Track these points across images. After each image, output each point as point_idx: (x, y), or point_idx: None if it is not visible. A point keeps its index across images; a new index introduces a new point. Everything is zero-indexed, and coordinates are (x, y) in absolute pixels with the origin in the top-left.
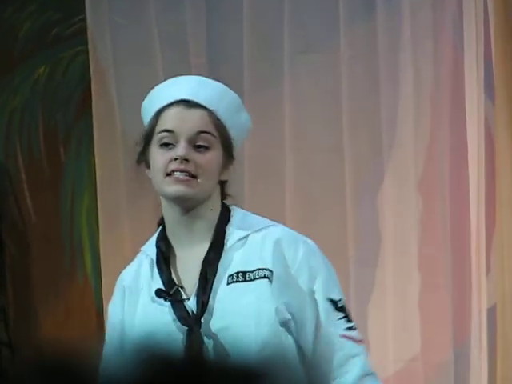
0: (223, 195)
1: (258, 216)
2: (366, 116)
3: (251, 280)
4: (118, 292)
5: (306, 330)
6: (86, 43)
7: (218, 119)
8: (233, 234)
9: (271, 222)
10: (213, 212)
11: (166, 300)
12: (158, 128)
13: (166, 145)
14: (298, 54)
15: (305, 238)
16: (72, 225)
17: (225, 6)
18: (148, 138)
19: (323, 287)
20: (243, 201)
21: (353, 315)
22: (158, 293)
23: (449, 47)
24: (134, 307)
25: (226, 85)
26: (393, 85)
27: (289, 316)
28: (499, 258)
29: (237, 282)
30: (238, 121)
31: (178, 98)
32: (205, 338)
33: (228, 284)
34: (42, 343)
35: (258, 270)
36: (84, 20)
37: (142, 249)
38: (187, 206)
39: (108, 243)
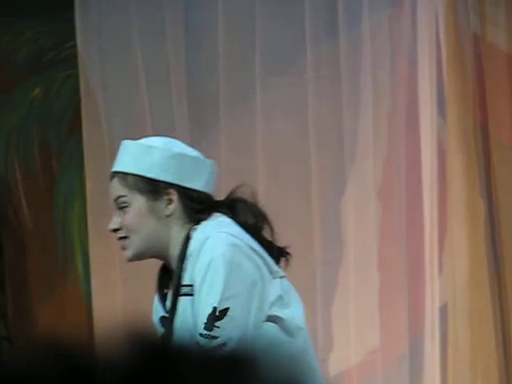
0: (195, 218)
1: (209, 228)
2: (330, 130)
3: (182, 295)
4: None
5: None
6: (77, 67)
7: (125, 177)
8: (190, 252)
9: (215, 233)
10: (176, 247)
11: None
12: None
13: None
14: (268, 76)
15: (217, 248)
16: (64, 231)
17: (202, 32)
18: None
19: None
20: None
21: (318, 311)
22: (159, 299)
23: (405, 69)
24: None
25: (204, 104)
26: (354, 102)
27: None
28: (450, 259)
29: (180, 295)
30: (148, 161)
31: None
32: None
33: (179, 296)
34: (38, 337)
35: (184, 285)
36: (75, 46)
37: None
38: (155, 258)
39: (96, 248)
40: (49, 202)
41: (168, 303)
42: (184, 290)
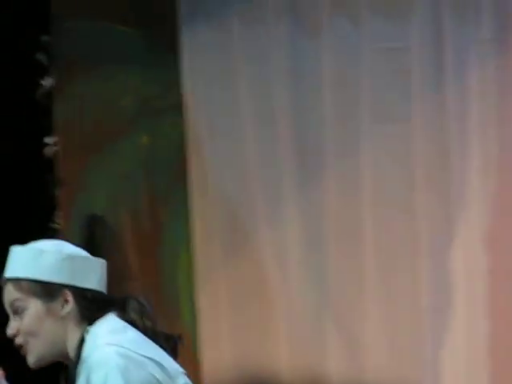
0: (89, 318)
1: (98, 336)
2: (437, 178)
3: None
4: None
5: None
6: (183, 115)
7: (19, 282)
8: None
9: (100, 343)
10: (73, 348)
11: None
12: None
13: None
14: (373, 124)
15: (110, 361)
16: (171, 279)
17: (308, 80)
18: None
19: None
20: (328, 255)
21: (428, 359)
22: None
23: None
24: None
25: (310, 152)
26: (461, 148)
27: None
28: None
29: None
30: (40, 264)
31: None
32: None
33: None
34: None
35: None
36: (181, 94)
37: None
38: (59, 360)
39: (204, 297)
40: (156, 251)
41: None
42: None
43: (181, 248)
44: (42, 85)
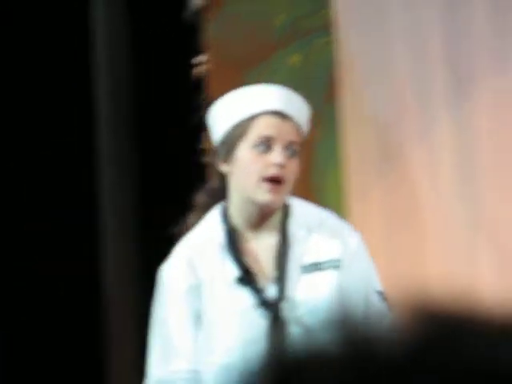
0: None
1: (312, 207)
2: None
3: (322, 270)
4: (184, 264)
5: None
6: (334, 34)
7: (301, 130)
8: (296, 225)
9: (325, 213)
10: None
11: (249, 287)
12: (255, 132)
13: (260, 148)
14: None
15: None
16: (320, 201)
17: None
18: (238, 138)
19: (374, 278)
20: (481, 175)
21: None
22: (241, 281)
23: None
24: (209, 296)
25: (461, 66)
26: None
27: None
28: None
29: (310, 272)
30: (306, 126)
31: (274, 108)
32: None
33: (303, 274)
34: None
35: (329, 261)
36: (332, 13)
37: (198, 230)
38: None
39: (355, 216)
40: (305, 171)
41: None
42: (329, 264)
43: (332, 169)
44: (190, 4)
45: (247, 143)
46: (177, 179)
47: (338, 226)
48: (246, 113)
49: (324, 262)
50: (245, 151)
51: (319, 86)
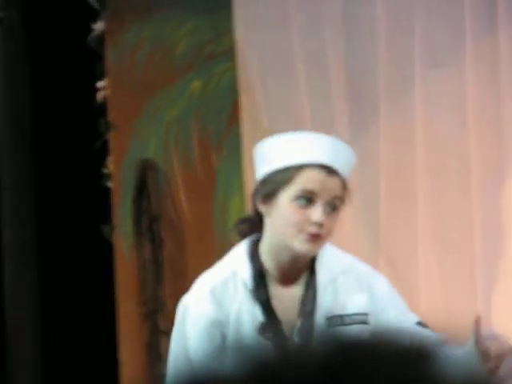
0: None
1: (339, 252)
2: (489, 122)
3: (349, 324)
4: (207, 296)
5: None
6: (235, 59)
7: (345, 184)
8: (323, 274)
9: (351, 259)
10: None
11: (273, 334)
12: (299, 184)
13: (301, 201)
14: (427, 69)
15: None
16: (224, 224)
17: (361, 25)
18: (281, 185)
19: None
20: (379, 200)
21: (478, 304)
22: (266, 327)
23: None
24: (232, 334)
25: (363, 98)
26: None
27: None
28: None
29: (335, 325)
30: (349, 176)
31: (322, 162)
32: None
33: (328, 327)
34: None
35: (355, 314)
36: (233, 39)
37: (225, 263)
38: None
39: None
40: (208, 195)
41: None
42: (355, 318)
43: (234, 193)
44: (93, 29)
45: (290, 193)
46: (81, 204)
47: (363, 272)
48: (294, 161)
49: (350, 315)
50: (286, 201)
51: (222, 111)
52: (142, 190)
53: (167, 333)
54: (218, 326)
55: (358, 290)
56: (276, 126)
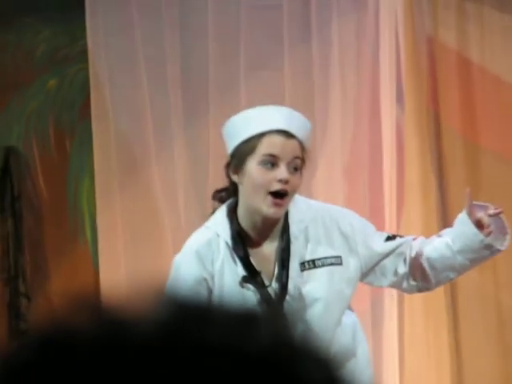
0: None
1: (307, 201)
2: (304, 115)
3: (320, 266)
4: (193, 256)
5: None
6: (87, 61)
7: (303, 146)
8: (295, 226)
9: (319, 205)
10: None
11: (254, 285)
12: (262, 150)
13: (267, 165)
14: (251, 71)
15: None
16: (75, 202)
17: (195, 33)
18: (247, 154)
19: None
20: (207, 181)
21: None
22: (246, 279)
23: (368, 65)
24: (216, 291)
25: (196, 95)
26: (324, 94)
27: (358, 279)
28: (406, 228)
29: (309, 269)
30: (308, 141)
31: (280, 127)
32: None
33: (302, 271)
34: (52, 294)
35: (326, 258)
36: (85, 44)
37: (208, 225)
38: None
39: (103, 217)
40: (62, 177)
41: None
42: (325, 261)
43: (85, 176)
44: None
45: (255, 159)
46: None
47: (331, 215)
48: (255, 130)
49: (320, 259)
50: (253, 167)
51: (75, 104)
52: (5, 172)
53: (27, 295)
54: (203, 283)
55: (327, 234)
56: (121, 118)
